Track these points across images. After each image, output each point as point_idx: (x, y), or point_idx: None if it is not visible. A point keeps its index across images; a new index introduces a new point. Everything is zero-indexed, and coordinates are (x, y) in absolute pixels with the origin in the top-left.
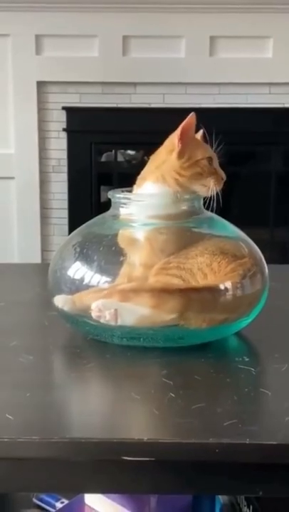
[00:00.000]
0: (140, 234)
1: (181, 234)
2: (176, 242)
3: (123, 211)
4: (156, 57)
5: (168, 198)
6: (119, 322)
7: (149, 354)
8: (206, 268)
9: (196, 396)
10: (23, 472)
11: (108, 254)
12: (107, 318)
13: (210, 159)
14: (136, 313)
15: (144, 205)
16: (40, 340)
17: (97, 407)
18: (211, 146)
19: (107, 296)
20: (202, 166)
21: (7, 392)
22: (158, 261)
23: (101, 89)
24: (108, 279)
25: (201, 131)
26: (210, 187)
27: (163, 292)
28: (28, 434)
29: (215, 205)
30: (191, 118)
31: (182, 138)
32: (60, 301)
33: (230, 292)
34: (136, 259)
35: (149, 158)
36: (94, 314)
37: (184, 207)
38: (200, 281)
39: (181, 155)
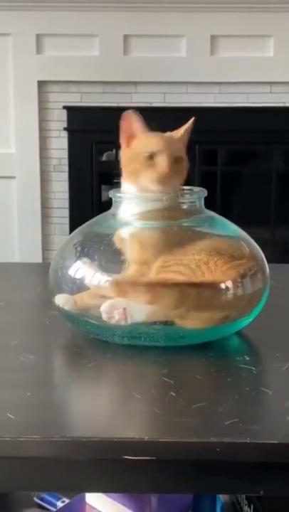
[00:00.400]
0: (127, 233)
1: (172, 231)
2: (167, 238)
3: (122, 210)
4: (157, 56)
5: (164, 197)
6: (129, 321)
7: (150, 353)
8: (204, 266)
9: (196, 395)
10: (24, 471)
11: (109, 253)
12: (116, 318)
13: (152, 154)
14: (145, 310)
15: (137, 204)
16: (41, 340)
17: (97, 407)
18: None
19: (105, 291)
20: (140, 161)
21: (8, 391)
22: (149, 256)
23: (102, 89)
24: (109, 278)
25: (186, 127)
26: (146, 182)
27: (160, 286)
28: (29, 433)
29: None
30: (127, 115)
31: (122, 136)
32: (61, 300)
33: (230, 290)
34: (129, 258)
35: None
36: (104, 316)
37: (185, 206)
38: (199, 277)
39: (122, 153)
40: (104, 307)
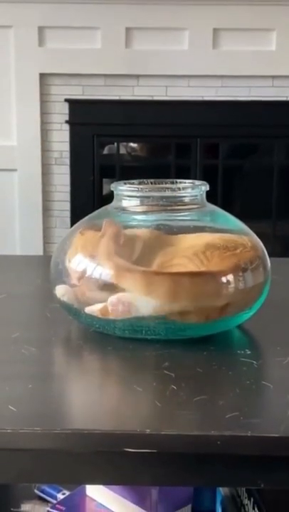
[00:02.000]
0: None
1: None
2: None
3: (123, 203)
4: (159, 49)
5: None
6: (134, 314)
7: (151, 346)
8: (201, 255)
9: (197, 388)
10: (24, 463)
11: None
12: (120, 310)
13: None
14: (150, 304)
15: (139, 197)
16: (42, 332)
17: (99, 399)
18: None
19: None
20: None
21: (9, 383)
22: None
23: (104, 82)
24: (110, 272)
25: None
26: None
27: (155, 275)
28: (30, 426)
29: None
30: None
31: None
32: (61, 291)
33: (230, 283)
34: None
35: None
36: (110, 309)
37: (186, 199)
38: (197, 265)
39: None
40: (111, 299)
